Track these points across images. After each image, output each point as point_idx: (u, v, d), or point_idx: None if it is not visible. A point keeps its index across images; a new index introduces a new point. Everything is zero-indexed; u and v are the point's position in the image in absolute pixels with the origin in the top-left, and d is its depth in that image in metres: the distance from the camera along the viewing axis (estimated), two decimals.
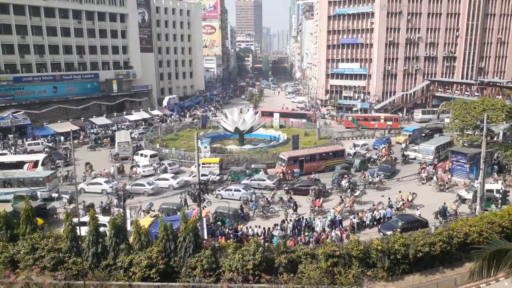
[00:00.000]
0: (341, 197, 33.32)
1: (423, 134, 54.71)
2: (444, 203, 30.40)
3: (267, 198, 32.76)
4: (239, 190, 34.99)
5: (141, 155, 45.79)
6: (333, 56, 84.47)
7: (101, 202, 32.10)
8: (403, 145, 48.98)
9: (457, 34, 78.99)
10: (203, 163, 40.34)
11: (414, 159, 44.83)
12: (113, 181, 38.25)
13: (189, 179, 38.85)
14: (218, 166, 41.25)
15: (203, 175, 36.08)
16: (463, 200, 32.46)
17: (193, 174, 38.97)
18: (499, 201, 30.98)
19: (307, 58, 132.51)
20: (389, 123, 61.97)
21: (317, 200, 31.89)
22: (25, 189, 33.92)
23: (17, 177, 35.81)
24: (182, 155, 46.47)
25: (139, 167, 42.50)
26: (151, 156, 45.11)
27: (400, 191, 33.50)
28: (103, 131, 61.23)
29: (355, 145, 49.89)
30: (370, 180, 37.32)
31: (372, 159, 44.28)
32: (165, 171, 41.99)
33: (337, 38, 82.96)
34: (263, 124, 56.80)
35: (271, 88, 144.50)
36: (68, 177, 39.88)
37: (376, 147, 51.05)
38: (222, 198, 34.41)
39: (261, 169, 40.82)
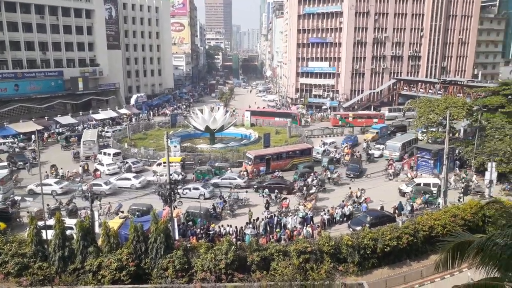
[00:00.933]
0: (303, 194, 33.59)
1: (389, 132, 56.27)
2: (410, 197, 31.50)
3: (222, 197, 32.68)
4: (197, 189, 34.90)
5: (104, 153, 45.14)
6: (303, 55, 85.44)
7: (67, 205, 31.12)
8: (365, 145, 49.71)
9: (421, 34, 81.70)
10: (164, 162, 39.78)
11: (380, 156, 45.99)
12: (63, 182, 37.14)
13: (152, 178, 38.37)
14: (180, 165, 40.86)
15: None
16: (402, 194, 34.07)
17: (157, 174, 38.58)
18: (436, 193, 32.52)
19: (277, 56, 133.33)
20: (375, 120, 63.26)
21: (284, 201, 32.03)
22: None
23: None
24: (151, 155, 45.75)
25: (103, 165, 41.91)
26: (114, 155, 44.56)
27: (350, 187, 34.73)
28: (76, 130, 59.42)
29: (324, 143, 50.60)
30: (329, 176, 38.13)
31: (335, 158, 44.48)
32: (129, 169, 41.43)
33: (306, 37, 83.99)
34: (233, 123, 56.66)
35: (242, 87, 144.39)
36: (12, 180, 37.69)
37: (346, 144, 51.68)
38: (180, 196, 33.66)
39: (225, 168, 40.83)
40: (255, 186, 36.60)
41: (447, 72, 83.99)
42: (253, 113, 67.77)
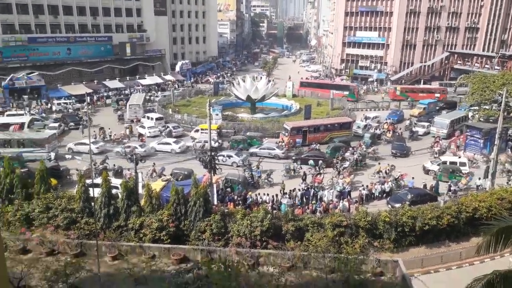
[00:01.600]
0: (337, 168, 33.09)
1: (437, 108, 53.50)
2: (435, 175, 31.04)
3: (250, 165, 32.93)
4: (231, 156, 35.47)
5: (148, 117, 47.04)
6: (350, 24, 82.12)
7: (114, 165, 32.70)
8: (407, 122, 47.66)
9: (481, 4, 75.76)
10: (202, 129, 40.61)
11: (425, 134, 44.03)
12: (100, 142, 39.14)
13: (190, 144, 39.42)
14: (217, 133, 41.36)
15: (205, 141, 36.47)
16: (427, 172, 33.16)
17: (196, 140, 39.53)
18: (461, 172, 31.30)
19: (323, 25, 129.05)
20: (437, 94, 59.81)
21: (317, 176, 31.65)
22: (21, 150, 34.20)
23: (22, 138, 36.74)
24: (194, 121, 46.72)
25: (144, 128, 43.76)
26: (157, 119, 46.44)
27: (379, 163, 33.88)
28: (128, 95, 61.04)
29: (366, 117, 49.05)
30: (365, 150, 37.31)
31: (376, 135, 42.79)
32: (169, 134, 42.84)
33: (356, 5, 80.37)
34: (275, 93, 56.25)
35: (286, 56, 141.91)
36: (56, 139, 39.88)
37: (388, 120, 48.95)
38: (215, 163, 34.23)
39: (256, 138, 41.01)
40: (293, 158, 36.52)
41: (507, 46, 77.89)
42: (306, 85, 66.00)
